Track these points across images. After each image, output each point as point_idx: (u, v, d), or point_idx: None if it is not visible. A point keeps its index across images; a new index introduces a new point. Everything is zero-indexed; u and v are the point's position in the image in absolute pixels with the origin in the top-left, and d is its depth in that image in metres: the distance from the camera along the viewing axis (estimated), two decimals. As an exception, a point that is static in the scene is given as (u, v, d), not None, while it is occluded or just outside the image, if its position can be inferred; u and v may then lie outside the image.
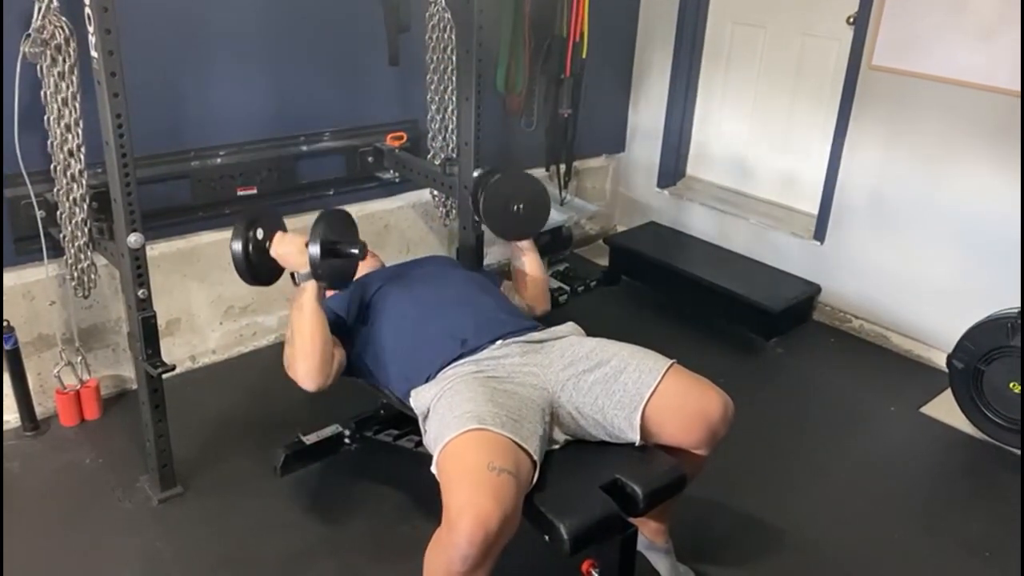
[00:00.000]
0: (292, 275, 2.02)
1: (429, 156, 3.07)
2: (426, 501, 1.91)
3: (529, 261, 2.41)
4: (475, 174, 2.58)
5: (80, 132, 2.19)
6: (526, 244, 2.40)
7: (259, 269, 2.09)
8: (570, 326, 2.09)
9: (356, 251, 1.99)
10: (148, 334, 2.14)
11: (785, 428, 2.82)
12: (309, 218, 3.00)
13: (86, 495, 2.34)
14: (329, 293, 2.11)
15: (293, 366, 1.97)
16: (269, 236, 2.09)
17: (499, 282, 2.40)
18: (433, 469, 1.69)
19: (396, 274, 2.27)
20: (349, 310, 2.16)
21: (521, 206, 2.37)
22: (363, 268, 2.37)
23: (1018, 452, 2.69)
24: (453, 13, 2.75)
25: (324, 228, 1.97)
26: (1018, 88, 2.75)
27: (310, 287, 1.95)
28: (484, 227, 2.56)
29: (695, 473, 1.94)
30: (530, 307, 2.39)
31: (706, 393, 1.85)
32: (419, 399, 1.89)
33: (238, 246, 2.05)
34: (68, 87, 2.14)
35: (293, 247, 2.01)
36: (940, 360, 3.01)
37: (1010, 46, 2.76)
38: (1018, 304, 2.71)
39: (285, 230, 2.13)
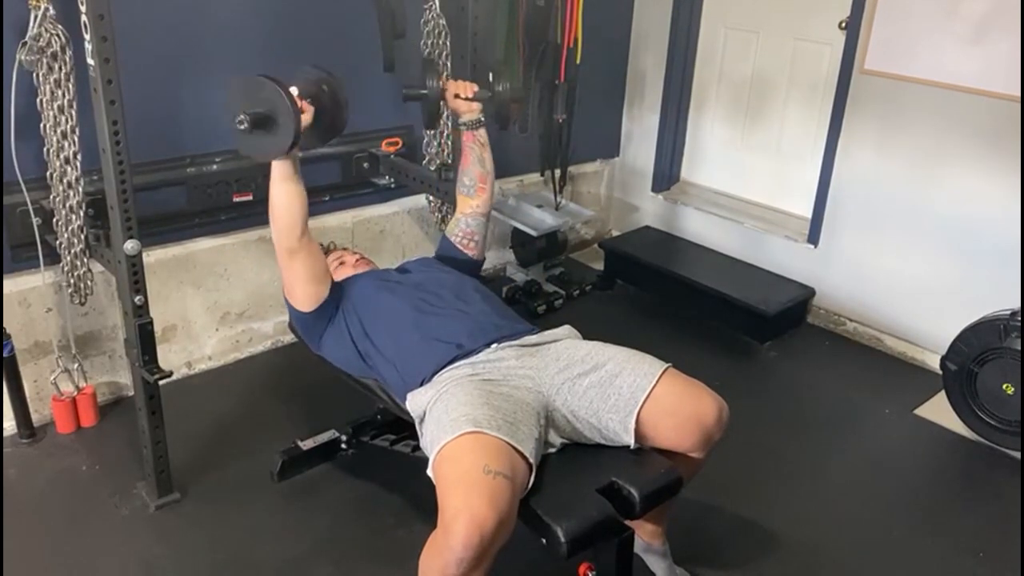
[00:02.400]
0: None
1: (424, 162, 3.09)
2: (423, 505, 1.92)
3: (489, 157, 2.43)
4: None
5: (76, 139, 2.20)
6: (485, 138, 2.42)
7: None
8: (566, 329, 2.10)
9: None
10: (145, 340, 2.14)
11: (780, 431, 2.83)
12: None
13: (83, 502, 2.34)
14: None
15: (273, 234, 2.10)
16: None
17: (452, 244, 2.42)
18: (429, 472, 1.70)
19: (390, 278, 2.28)
20: (344, 310, 2.17)
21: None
22: (357, 272, 2.38)
23: (1011, 453, 2.70)
24: (448, 19, 2.77)
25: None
26: (1008, 91, 2.78)
27: (276, 163, 2.01)
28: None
29: (690, 476, 1.95)
30: (482, 213, 2.43)
31: (701, 397, 1.86)
32: (415, 402, 1.90)
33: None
34: (64, 94, 2.15)
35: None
36: (934, 362, 3.02)
37: (1000, 50, 2.78)
38: (1010, 306, 2.72)
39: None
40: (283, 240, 2.07)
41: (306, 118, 2.00)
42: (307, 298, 2.14)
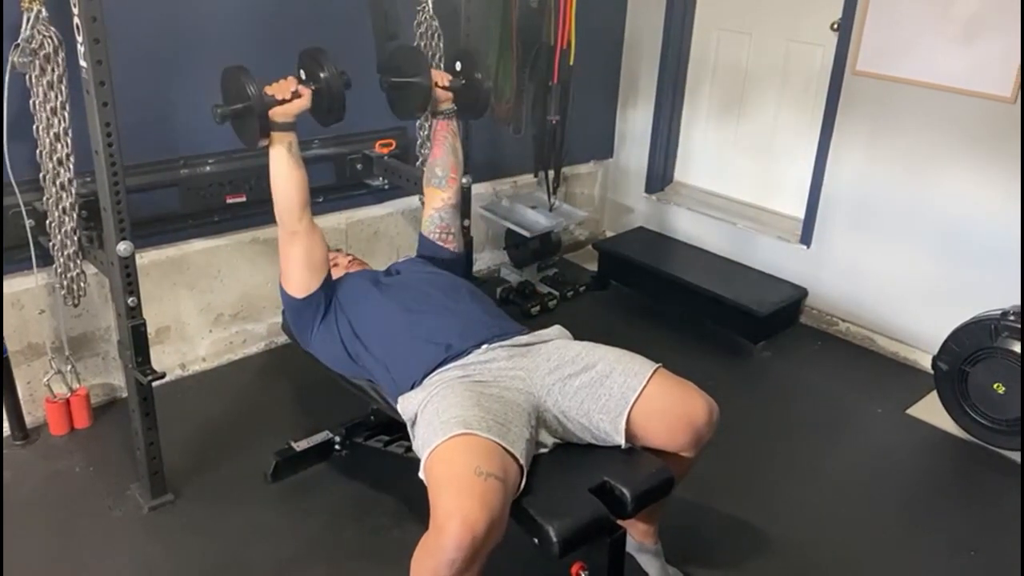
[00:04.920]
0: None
1: (418, 163, 3.08)
2: (416, 506, 1.92)
3: (460, 147, 2.45)
4: (464, 180, 2.61)
5: (69, 141, 2.19)
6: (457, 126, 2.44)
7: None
8: (557, 330, 2.10)
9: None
10: (138, 342, 2.14)
11: (772, 430, 2.84)
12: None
13: (76, 504, 2.34)
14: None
15: (276, 213, 2.15)
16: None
17: (432, 242, 2.42)
18: (421, 474, 1.70)
19: (380, 279, 2.28)
20: (335, 311, 2.18)
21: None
22: (349, 272, 2.39)
23: (1003, 452, 2.72)
24: (441, 21, 2.77)
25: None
26: (999, 92, 2.79)
27: (282, 137, 2.07)
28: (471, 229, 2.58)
29: (682, 475, 1.96)
30: (452, 204, 2.42)
31: (691, 397, 1.87)
32: (406, 405, 1.91)
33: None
34: (57, 96, 2.14)
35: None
36: (925, 362, 3.04)
37: (991, 51, 2.79)
38: (1000, 306, 2.73)
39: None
40: (283, 220, 2.12)
41: (303, 102, 2.08)
42: (300, 283, 2.16)
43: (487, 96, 2.47)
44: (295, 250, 2.13)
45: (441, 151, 2.41)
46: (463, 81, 2.42)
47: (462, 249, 2.49)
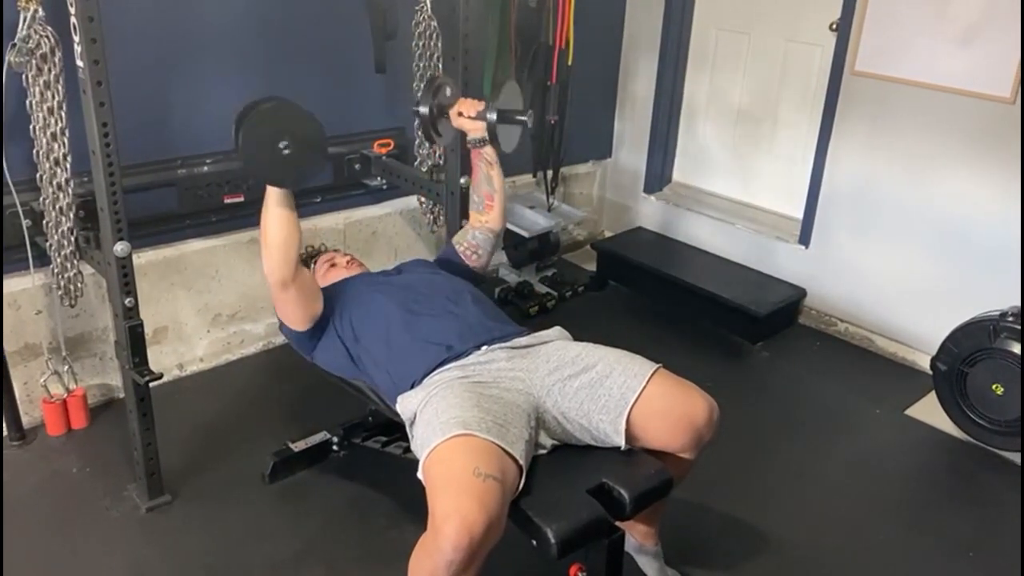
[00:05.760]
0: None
1: (416, 163, 3.08)
2: (414, 507, 1.92)
3: (497, 175, 2.36)
4: (462, 181, 2.60)
5: (66, 141, 2.19)
6: (493, 156, 2.34)
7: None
8: (556, 331, 2.10)
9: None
10: (135, 343, 2.14)
11: (771, 431, 2.84)
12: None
13: (73, 504, 2.34)
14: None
15: (265, 264, 2.01)
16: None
17: (455, 251, 2.39)
18: (419, 475, 1.70)
19: (381, 280, 2.28)
20: (335, 314, 2.17)
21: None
22: (348, 274, 2.38)
23: (1001, 453, 2.71)
24: (439, 20, 2.77)
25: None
26: (997, 93, 2.79)
27: (271, 193, 1.93)
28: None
29: (681, 476, 1.96)
30: (491, 229, 2.39)
31: (691, 397, 1.86)
32: (405, 405, 1.90)
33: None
34: (54, 96, 2.14)
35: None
36: (924, 362, 3.03)
37: (989, 51, 2.79)
38: (999, 307, 2.73)
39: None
40: (278, 272, 1.98)
41: None
42: (303, 320, 2.11)
43: (518, 131, 2.40)
44: (291, 294, 2.04)
45: (476, 178, 2.37)
46: (495, 118, 2.25)
47: (483, 272, 2.44)
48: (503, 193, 2.38)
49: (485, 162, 2.33)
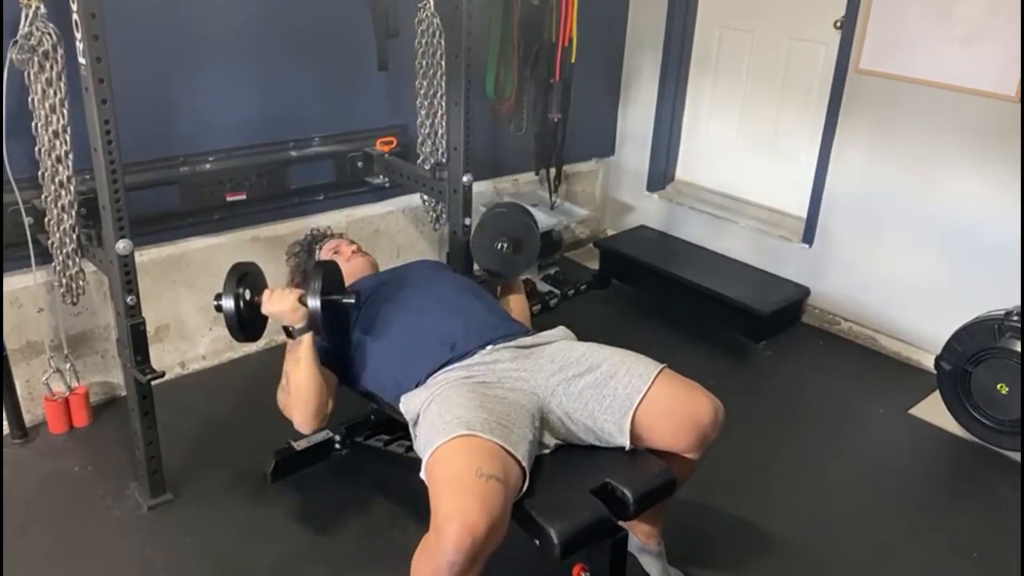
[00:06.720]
0: (286, 328, 2.00)
1: (419, 161, 3.08)
2: (416, 506, 1.91)
3: (515, 300, 2.42)
4: (464, 180, 2.59)
5: (68, 138, 2.18)
6: (515, 283, 2.41)
7: (250, 326, 2.09)
8: (560, 331, 2.09)
9: (351, 300, 2.03)
10: (137, 341, 2.13)
11: (775, 430, 2.83)
12: (299, 223, 3.03)
13: (75, 503, 2.33)
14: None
15: (290, 413, 2.03)
16: (257, 293, 2.06)
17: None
18: (422, 475, 1.69)
19: (386, 280, 2.27)
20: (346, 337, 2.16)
21: (506, 244, 2.35)
22: (357, 268, 2.37)
23: (1005, 452, 2.71)
24: (442, 18, 2.76)
25: (318, 282, 1.97)
26: (1001, 91, 2.78)
27: (306, 340, 1.97)
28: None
29: (686, 477, 1.95)
30: None
31: (696, 397, 1.85)
32: (409, 404, 1.90)
33: (230, 304, 2.02)
34: (56, 93, 2.13)
35: (286, 305, 1.99)
36: (928, 362, 3.03)
37: (993, 50, 2.78)
38: (1004, 306, 2.72)
39: (267, 286, 2.10)
40: (311, 424, 2.01)
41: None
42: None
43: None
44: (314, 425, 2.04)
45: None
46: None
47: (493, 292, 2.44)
48: (527, 313, 2.46)
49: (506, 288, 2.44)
